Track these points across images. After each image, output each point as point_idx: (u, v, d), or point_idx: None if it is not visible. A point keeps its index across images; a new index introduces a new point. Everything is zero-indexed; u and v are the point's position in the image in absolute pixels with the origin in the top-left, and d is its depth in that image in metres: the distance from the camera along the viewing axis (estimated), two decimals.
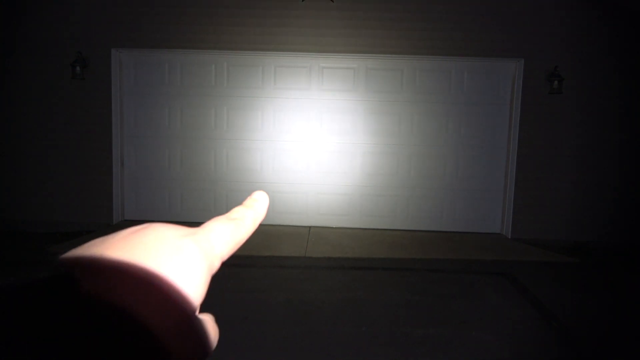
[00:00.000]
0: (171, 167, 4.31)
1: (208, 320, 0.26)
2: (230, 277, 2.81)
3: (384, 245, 3.81)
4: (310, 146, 4.27)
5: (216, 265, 0.25)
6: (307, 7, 3.97)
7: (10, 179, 4.15)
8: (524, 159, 4.07)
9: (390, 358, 1.98)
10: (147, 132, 4.27)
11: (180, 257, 0.23)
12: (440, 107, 4.20)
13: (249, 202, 0.31)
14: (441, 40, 4.00)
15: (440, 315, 2.43)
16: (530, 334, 2.26)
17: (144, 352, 0.19)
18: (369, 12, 3.98)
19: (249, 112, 4.24)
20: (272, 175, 4.29)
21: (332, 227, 4.31)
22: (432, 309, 2.50)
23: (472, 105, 4.18)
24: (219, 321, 0.26)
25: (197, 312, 0.23)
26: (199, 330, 0.22)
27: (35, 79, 4.03)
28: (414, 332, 2.20)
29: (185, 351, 0.21)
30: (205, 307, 0.25)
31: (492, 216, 4.29)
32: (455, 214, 4.30)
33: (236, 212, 0.29)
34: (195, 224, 0.27)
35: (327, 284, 2.87)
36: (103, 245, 0.22)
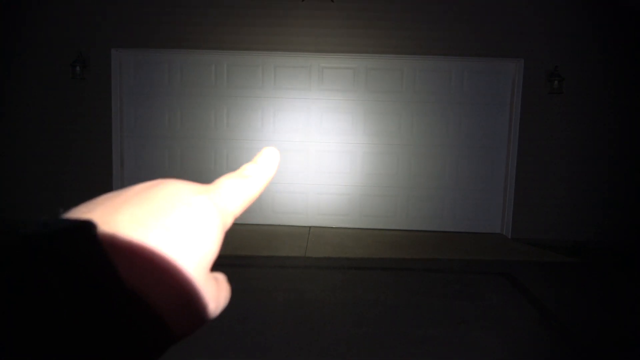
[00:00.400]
0: (171, 167, 4.31)
1: (220, 279, 0.25)
2: (230, 277, 2.79)
3: (384, 245, 3.81)
4: (310, 146, 4.27)
5: (229, 222, 0.25)
6: (307, 7, 3.97)
7: (10, 179, 4.15)
8: (524, 159, 4.06)
9: (390, 358, 1.98)
10: (147, 132, 4.27)
11: (195, 215, 0.22)
12: (440, 107, 4.19)
13: (259, 159, 0.30)
14: (441, 40, 3.99)
15: (440, 315, 2.43)
16: (530, 334, 2.26)
17: (144, 325, 0.18)
18: (369, 12, 3.98)
19: (249, 112, 4.24)
20: None
21: (332, 227, 4.31)
22: (432, 309, 2.50)
23: (472, 105, 4.18)
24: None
25: (209, 271, 0.22)
26: (200, 298, 0.21)
27: (35, 79, 4.03)
28: (413, 332, 2.20)
29: (183, 322, 0.20)
30: None
31: (492, 216, 4.29)
32: (455, 214, 4.29)
33: (247, 169, 0.28)
34: None
35: (327, 284, 2.86)
36: (112, 203, 0.21)
